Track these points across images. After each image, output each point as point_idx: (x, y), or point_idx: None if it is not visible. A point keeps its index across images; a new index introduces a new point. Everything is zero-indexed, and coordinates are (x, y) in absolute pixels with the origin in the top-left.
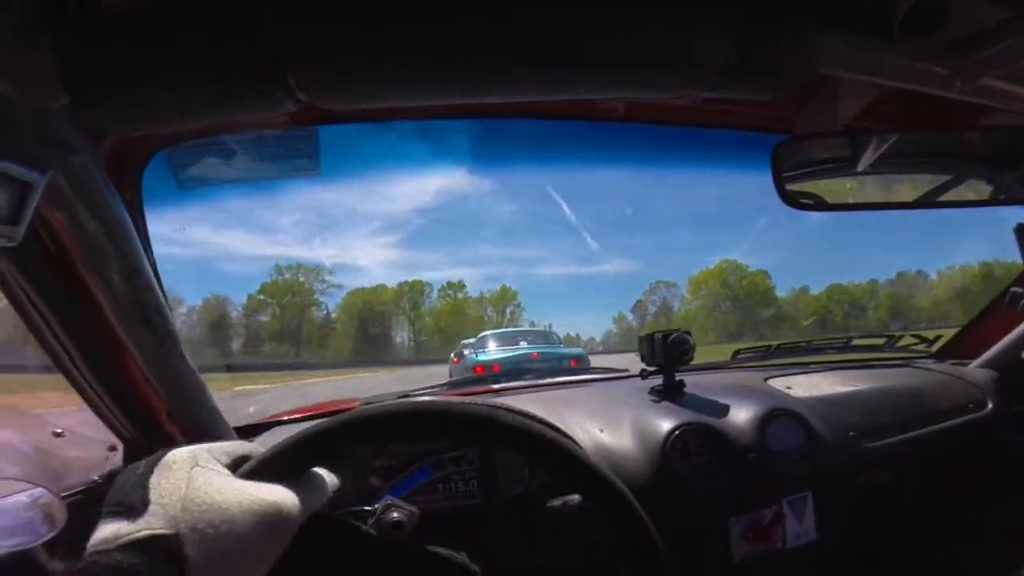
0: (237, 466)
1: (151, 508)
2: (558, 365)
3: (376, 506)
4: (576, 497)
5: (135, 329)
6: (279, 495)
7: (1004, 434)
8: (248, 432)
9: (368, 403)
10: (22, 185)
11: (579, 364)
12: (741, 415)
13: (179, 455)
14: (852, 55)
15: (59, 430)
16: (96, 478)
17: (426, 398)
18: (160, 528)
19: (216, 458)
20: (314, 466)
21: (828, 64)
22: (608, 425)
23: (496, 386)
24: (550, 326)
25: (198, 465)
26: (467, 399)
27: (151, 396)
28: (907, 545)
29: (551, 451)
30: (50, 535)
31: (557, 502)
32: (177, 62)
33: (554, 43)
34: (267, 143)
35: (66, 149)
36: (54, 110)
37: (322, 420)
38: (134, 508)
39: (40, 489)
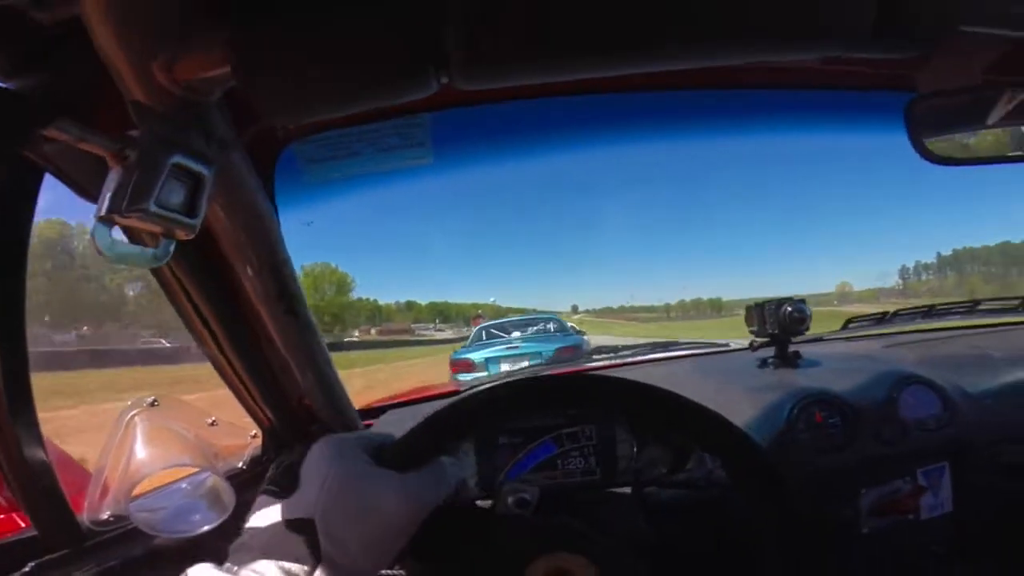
0: (376, 455)
1: (295, 495)
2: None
3: (502, 488)
4: (703, 470)
5: (281, 318)
6: (405, 488)
7: None
8: (366, 415)
9: (473, 386)
10: (195, 179)
11: (572, 353)
12: (869, 384)
13: (327, 445)
14: (983, 7)
15: (212, 419)
16: (240, 465)
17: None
18: (299, 513)
19: (357, 449)
20: (448, 445)
21: (962, 19)
22: (723, 399)
23: (590, 364)
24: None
25: (342, 455)
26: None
27: (289, 382)
28: None
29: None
30: (225, 516)
31: (681, 476)
32: (336, 43)
33: (701, 8)
34: (384, 133)
35: (224, 144)
36: (211, 105)
37: (466, 395)
38: (283, 492)
39: (207, 472)
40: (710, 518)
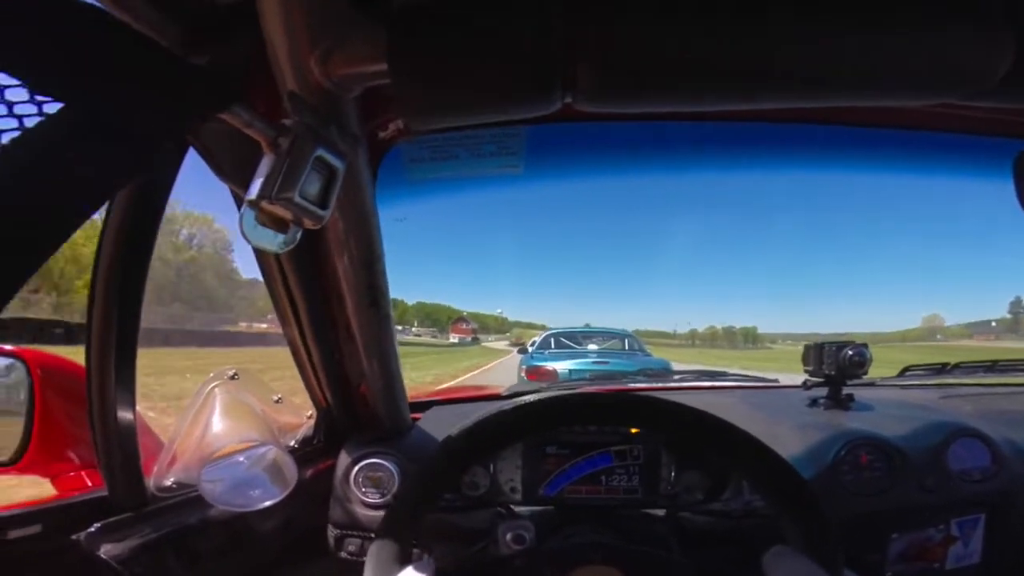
0: None
1: None
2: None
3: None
4: (740, 501)
5: (364, 309)
6: None
7: None
8: (415, 407)
9: (511, 391)
10: (330, 172)
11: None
12: (919, 432)
13: None
14: None
15: (278, 397)
16: (293, 443)
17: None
18: None
19: None
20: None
21: None
22: (770, 433)
23: (637, 386)
24: None
25: None
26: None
27: (353, 369)
28: None
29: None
30: (286, 493)
31: (717, 505)
32: (476, 54)
33: (823, 51)
34: (482, 140)
35: (353, 140)
36: (350, 101)
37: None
38: None
39: (269, 446)
40: (743, 548)
